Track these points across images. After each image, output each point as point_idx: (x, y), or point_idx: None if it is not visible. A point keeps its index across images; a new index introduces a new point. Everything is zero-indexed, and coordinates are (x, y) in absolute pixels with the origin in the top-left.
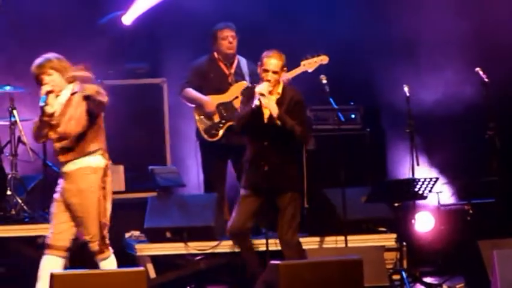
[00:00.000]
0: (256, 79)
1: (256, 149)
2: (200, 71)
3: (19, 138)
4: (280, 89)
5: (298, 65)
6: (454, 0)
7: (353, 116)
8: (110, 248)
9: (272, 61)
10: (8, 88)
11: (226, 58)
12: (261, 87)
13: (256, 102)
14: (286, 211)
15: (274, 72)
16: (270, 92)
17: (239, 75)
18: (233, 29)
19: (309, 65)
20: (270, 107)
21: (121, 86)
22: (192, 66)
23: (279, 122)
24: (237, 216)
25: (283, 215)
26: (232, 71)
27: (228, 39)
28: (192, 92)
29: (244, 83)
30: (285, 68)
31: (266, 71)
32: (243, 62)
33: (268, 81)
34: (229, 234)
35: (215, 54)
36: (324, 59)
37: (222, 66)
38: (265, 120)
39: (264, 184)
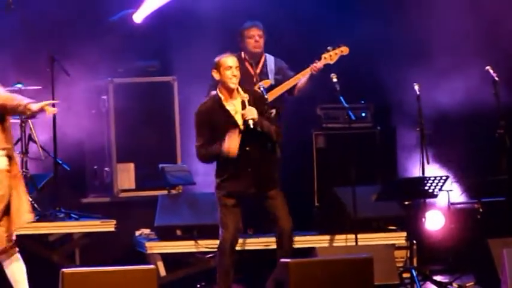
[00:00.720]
0: (285, 75)
1: (238, 155)
2: None
3: (30, 136)
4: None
5: (319, 59)
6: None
7: (363, 114)
8: None
9: (231, 58)
10: (19, 85)
11: (252, 57)
12: (252, 112)
13: (250, 124)
14: (281, 203)
15: (237, 68)
16: (236, 93)
17: (265, 74)
18: (260, 28)
19: (330, 57)
20: (254, 115)
21: (131, 84)
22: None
23: (258, 129)
24: (230, 229)
25: (279, 206)
26: (258, 71)
27: (254, 38)
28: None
29: (268, 81)
30: None
31: (230, 67)
32: (271, 59)
33: (235, 76)
34: (223, 248)
35: (242, 54)
36: (344, 50)
37: (248, 66)
38: (242, 127)
39: (251, 188)
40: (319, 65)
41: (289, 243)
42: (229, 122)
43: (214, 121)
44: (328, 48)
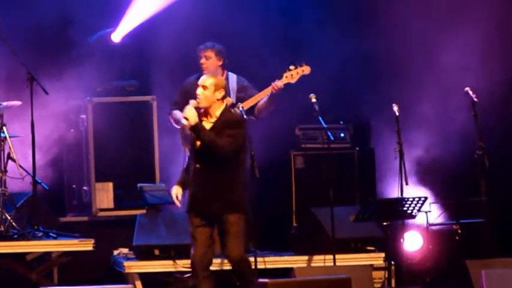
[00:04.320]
0: (247, 94)
1: (193, 171)
2: (186, 91)
3: (8, 154)
4: (218, 113)
5: (280, 77)
6: (443, 21)
7: (342, 135)
8: None
9: (204, 76)
10: None
11: None
12: (189, 113)
13: (182, 121)
14: (230, 232)
15: (203, 86)
16: (206, 114)
17: (226, 93)
18: (208, 49)
19: (291, 76)
20: (189, 118)
21: (110, 104)
22: (180, 86)
23: (193, 135)
24: (197, 247)
25: (227, 235)
26: None
27: (201, 59)
28: (177, 113)
29: (229, 100)
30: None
31: (197, 85)
32: (233, 78)
33: (198, 95)
34: (192, 267)
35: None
36: (305, 69)
37: None
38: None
39: (205, 209)
40: (279, 83)
41: (240, 270)
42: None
43: None
44: (290, 67)
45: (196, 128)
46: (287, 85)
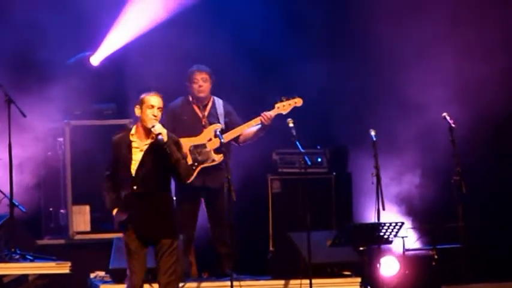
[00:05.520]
0: (232, 119)
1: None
2: (174, 114)
3: None
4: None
5: (271, 107)
6: (424, 45)
7: (319, 159)
8: None
9: (155, 98)
10: None
11: (199, 100)
12: (158, 127)
13: (162, 137)
14: (167, 256)
15: (159, 108)
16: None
17: (214, 117)
18: (203, 72)
19: (283, 107)
20: (164, 135)
21: (88, 127)
22: (167, 109)
23: (168, 150)
24: (137, 274)
25: (164, 260)
26: (206, 113)
27: (198, 82)
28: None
29: (219, 125)
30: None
31: (152, 106)
32: (219, 102)
33: (155, 116)
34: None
35: (190, 96)
36: (298, 102)
37: (196, 108)
38: (133, 171)
39: (141, 232)
40: (271, 114)
41: None
42: (129, 157)
43: (119, 153)
44: (282, 98)
45: (170, 147)
46: (278, 115)
